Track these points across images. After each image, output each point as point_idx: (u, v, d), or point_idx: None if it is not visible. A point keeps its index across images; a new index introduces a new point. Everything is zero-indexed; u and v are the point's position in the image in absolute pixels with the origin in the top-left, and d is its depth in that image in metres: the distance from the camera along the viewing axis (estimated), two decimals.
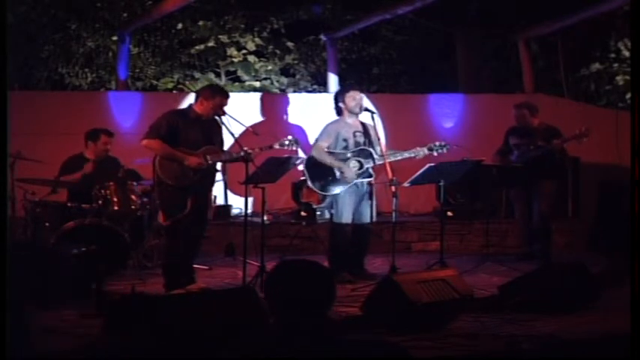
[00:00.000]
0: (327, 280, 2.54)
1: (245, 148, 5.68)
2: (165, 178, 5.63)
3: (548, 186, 7.22)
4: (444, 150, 6.37)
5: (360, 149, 6.30)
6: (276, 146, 6.06)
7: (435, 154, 6.36)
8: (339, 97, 6.43)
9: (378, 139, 6.35)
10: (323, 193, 6.35)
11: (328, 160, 6.27)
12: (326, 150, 6.30)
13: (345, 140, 6.32)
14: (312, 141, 8.20)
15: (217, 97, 5.75)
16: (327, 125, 6.42)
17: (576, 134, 6.90)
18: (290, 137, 6.11)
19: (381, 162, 6.19)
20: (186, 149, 5.65)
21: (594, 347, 2.71)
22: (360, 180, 6.26)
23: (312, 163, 6.33)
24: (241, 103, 9.08)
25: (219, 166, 6.26)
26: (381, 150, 6.16)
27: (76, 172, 6.71)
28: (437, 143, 6.36)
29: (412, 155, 6.32)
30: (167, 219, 5.75)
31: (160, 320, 3.95)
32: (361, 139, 6.35)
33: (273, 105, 9.49)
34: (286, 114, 9.36)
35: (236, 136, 5.80)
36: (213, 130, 5.83)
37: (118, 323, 3.87)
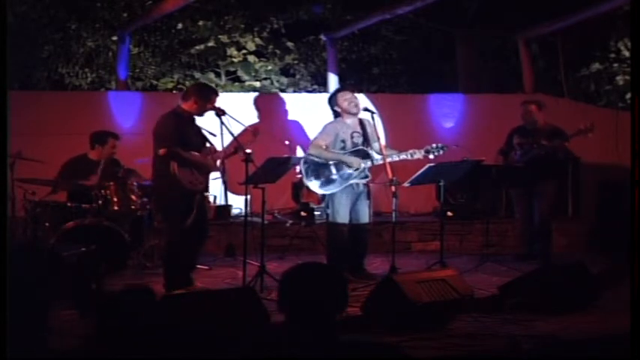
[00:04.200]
0: (342, 283, 2.60)
1: (247, 151, 5.66)
2: (186, 184, 5.56)
3: (549, 186, 7.22)
4: (442, 152, 6.28)
5: (357, 150, 6.29)
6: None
7: (432, 156, 6.26)
8: (332, 102, 6.44)
9: (378, 139, 6.34)
10: (318, 190, 6.36)
11: (328, 155, 6.26)
12: (324, 148, 6.30)
13: (342, 141, 6.32)
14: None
15: (212, 95, 5.74)
16: (327, 125, 6.42)
17: (580, 129, 6.87)
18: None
19: (378, 163, 6.19)
20: (194, 152, 5.62)
21: (594, 347, 2.70)
22: (356, 181, 6.26)
23: (309, 161, 6.33)
24: (241, 103, 9.09)
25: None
26: (380, 150, 6.15)
27: (82, 173, 6.69)
28: (434, 145, 6.26)
29: (408, 157, 6.29)
30: (173, 224, 5.67)
31: (159, 320, 3.95)
32: (359, 140, 6.34)
33: (273, 105, 9.48)
34: (286, 114, 9.35)
35: (236, 136, 5.79)
36: (200, 129, 5.81)
37: (110, 321, 3.85)
